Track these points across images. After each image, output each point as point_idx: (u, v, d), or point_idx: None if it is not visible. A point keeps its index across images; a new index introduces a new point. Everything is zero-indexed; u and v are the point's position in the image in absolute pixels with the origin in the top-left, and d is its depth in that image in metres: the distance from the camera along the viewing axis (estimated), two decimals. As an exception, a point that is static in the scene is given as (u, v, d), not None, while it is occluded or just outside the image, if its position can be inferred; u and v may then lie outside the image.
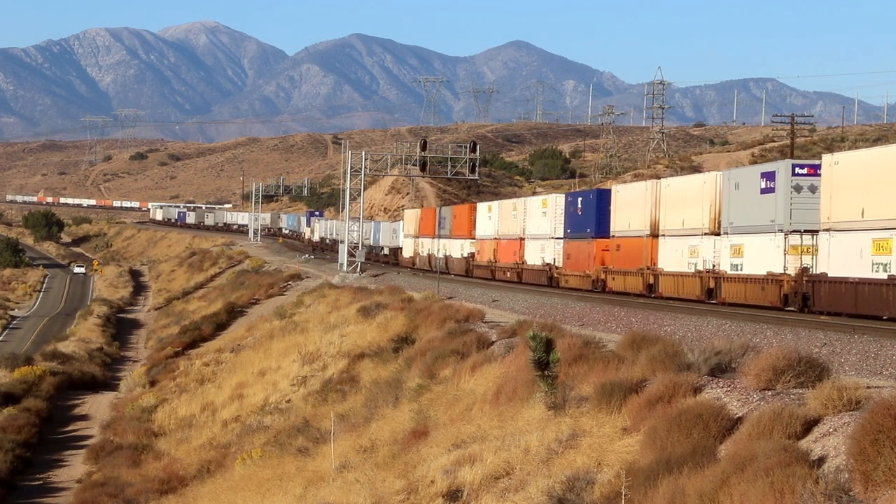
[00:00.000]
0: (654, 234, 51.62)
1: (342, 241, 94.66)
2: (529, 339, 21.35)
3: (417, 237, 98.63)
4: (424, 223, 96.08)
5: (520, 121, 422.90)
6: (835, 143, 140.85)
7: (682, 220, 49.25)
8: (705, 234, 47.06)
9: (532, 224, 68.36)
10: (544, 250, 65.53)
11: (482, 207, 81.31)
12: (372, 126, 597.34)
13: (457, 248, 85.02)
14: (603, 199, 58.57)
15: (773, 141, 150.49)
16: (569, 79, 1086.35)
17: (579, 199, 62.70)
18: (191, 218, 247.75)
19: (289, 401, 46.98)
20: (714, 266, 46.00)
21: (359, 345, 48.84)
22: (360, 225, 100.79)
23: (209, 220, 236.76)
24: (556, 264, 63.71)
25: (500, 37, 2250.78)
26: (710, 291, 46.11)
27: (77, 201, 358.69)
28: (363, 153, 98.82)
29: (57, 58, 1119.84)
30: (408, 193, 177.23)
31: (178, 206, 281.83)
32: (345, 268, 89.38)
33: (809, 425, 15.23)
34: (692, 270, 47.49)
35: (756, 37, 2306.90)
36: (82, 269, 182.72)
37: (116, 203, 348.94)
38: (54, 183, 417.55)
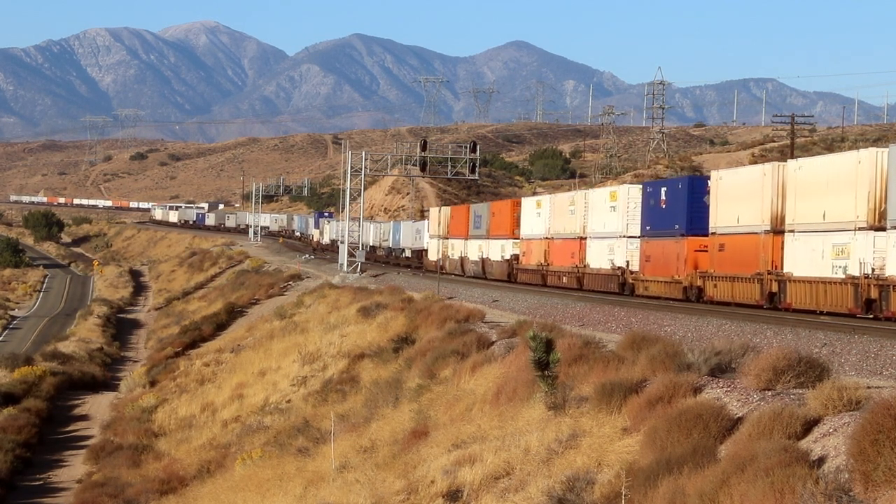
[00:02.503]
0: (778, 230, 41.92)
1: (342, 241, 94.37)
2: (529, 340, 21.36)
3: (446, 238, 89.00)
4: (455, 222, 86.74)
5: (520, 121, 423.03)
6: (835, 144, 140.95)
7: (823, 212, 39.28)
8: (861, 228, 37.21)
9: (596, 220, 58.71)
10: (613, 251, 56.01)
11: (528, 203, 71.86)
12: (372, 126, 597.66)
13: (496, 250, 75.67)
14: (697, 188, 49.06)
15: (774, 141, 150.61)
16: (569, 79, 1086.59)
17: (663, 189, 52.27)
18: (210, 219, 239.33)
19: (289, 401, 47.00)
20: (875, 270, 36.13)
21: (359, 345, 48.85)
22: (360, 225, 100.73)
23: (230, 222, 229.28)
24: (631, 268, 54.09)
25: (500, 37, 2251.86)
26: (868, 303, 36.18)
27: (92, 202, 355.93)
28: (363, 153, 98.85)
29: (57, 58, 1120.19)
30: (408, 194, 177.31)
31: (192, 207, 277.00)
32: (345, 268, 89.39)
33: (809, 425, 15.24)
34: (840, 276, 37.66)
35: (756, 37, 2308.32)
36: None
37: (133, 204, 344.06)
38: (54, 183, 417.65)
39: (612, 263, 55.91)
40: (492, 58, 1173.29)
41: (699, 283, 47.36)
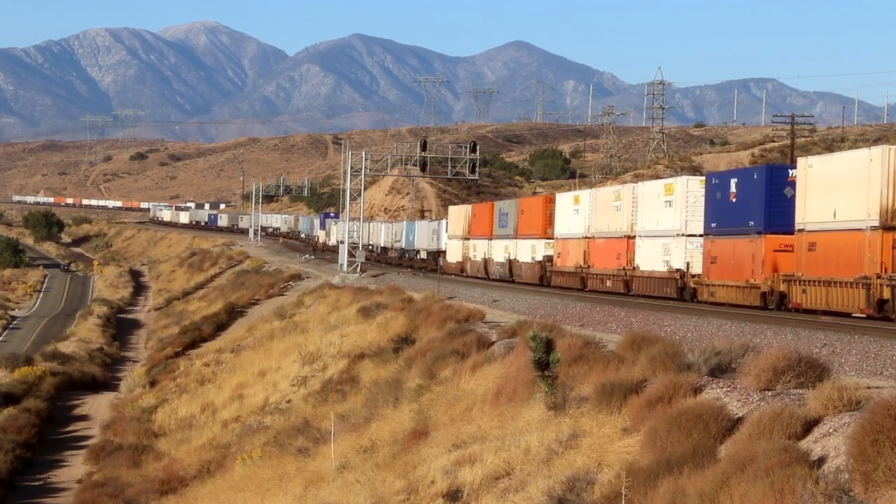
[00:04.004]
0: (888, 226, 35.55)
1: (344, 242, 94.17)
2: (529, 340, 21.36)
3: (467, 238, 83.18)
4: (478, 221, 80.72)
5: (520, 121, 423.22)
6: (835, 144, 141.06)
7: None
8: None
9: (648, 217, 52.50)
10: (669, 252, 49.91)
11: (565, 198, 65.63)
12: (372, 126, 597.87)
13: (525, 251, 69.62)
14: (776, 178, 42.92)
15: (774, 141, 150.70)
16: (569, 79, 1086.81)
17: (733, 180, 45.82)
18: (223, 220, 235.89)
19: (289, 401, 47.01)
20: None
21: (359, 345, 48.85)
22: (361, 225, 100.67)
23: (244, 223, 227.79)
24: (692, 271, 48.22)
25: (500, 37, 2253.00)
26: None
27: (102, 203, 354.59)
28: (363, 153, 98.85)
29: (57, 58, 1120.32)
30: (408, 194, 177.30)
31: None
32: (345, 268, 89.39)
33: (809, 425, 15.25)
34: None
35: (756, 37, 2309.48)
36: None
37: (144, 205, 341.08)
38: (54, 183, 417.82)
39: (669, 265, 49.79)
40: (492, 58, 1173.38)
41: (782, 287, 40.70)
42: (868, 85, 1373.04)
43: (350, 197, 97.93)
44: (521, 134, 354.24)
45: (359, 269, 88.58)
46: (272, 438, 38.81)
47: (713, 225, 46.95)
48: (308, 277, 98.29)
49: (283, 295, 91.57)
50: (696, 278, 47.87)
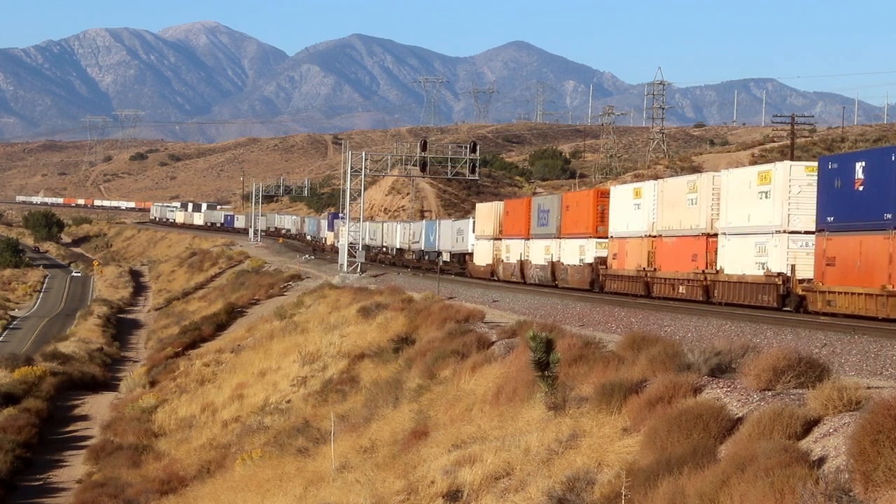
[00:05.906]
0: None
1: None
2: (530, 340, 21.38)
3: (499, 239, 75.84)
4: (511, 219, 73.29)
5: (520, 121, 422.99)
6: (835, 144, 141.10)
7: None
8: None
9: (736, 211, 44.53)
10: (766, 252, 42.16)
11: (622, 192, 57.56)
12: (372, 126, 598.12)
13: (571, 252, 62.00)
14: None
15: (774, 141, 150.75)
16: (569, 79, 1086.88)
17: (859, 164, 37.23)
18: (240, 222, 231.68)
19: (289, 401, 47.02)
20: None
21: (359, 345, 48.85)
22: (365, 225, 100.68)
23: (260, 225, 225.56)
24: (799, 275, 40.19)
25: (500, 37, 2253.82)
26: None
27: (114, 203, 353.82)
28: (363, 154, 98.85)
29: (57, 58, 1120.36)
30: (408, 194, 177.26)
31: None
32: (345, 268, 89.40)
33: (809, 426, 15.25)
34: None
35: (756, 37, 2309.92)
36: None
37: (157, 205, 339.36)
38: (54, 183, 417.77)
39: (766, 268, 42.04)
40: (492, 58, 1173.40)
41: None
42: (868, 85, 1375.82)
43: (350, 197, 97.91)
44: (521, 134, 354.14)
45: (359, 270, 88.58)
46: (272, 438, 38.82)
47: (830, 219, 38.34)
48: (308, 278, 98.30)
49: (283, 295, 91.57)
50: (805, 284, 39.55)
